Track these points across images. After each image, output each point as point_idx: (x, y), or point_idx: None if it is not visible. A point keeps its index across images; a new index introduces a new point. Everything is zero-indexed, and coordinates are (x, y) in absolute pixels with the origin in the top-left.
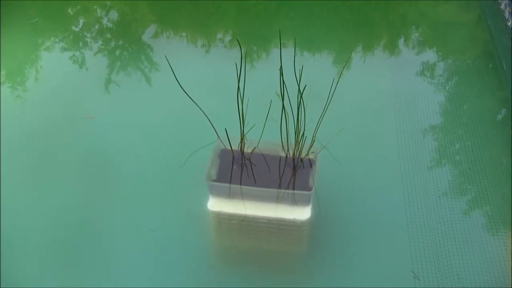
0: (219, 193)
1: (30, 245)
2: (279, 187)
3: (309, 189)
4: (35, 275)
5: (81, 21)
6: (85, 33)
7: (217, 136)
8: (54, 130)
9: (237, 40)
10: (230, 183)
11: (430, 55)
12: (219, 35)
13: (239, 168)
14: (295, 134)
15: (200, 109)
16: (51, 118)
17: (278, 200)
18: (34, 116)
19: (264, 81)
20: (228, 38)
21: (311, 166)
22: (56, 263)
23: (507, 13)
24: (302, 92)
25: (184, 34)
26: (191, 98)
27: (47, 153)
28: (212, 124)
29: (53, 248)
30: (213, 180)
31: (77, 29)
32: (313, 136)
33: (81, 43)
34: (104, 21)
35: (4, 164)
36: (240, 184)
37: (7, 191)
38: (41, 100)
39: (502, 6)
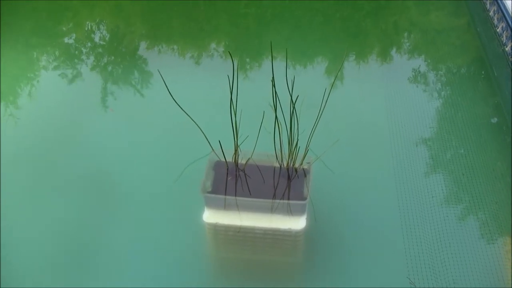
0: (215, 205)
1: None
2: (274, 197)
3: (304, 198)
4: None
5: (73, 37)
6: (79, 49)
7: (211, 149)
8: (49, 148)
9: (229, 53)
10: (225, 194)
11: (422, 63)
12: (212, 48)
13: (234, 180)
14: (289, 144)
15: (194, 122)
16: (47, 135)
17: (273, 210)
18: (30, 133)
19: (257, 92)
20: (220, 50)
21: (305, 176)
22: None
23: (496, 20)
24: (295, 103)
25: (176, 47)
26: (185, 112)
27: (44, 170)
28: (206, 137)
29: (53, 257)
30: (208, 192)
31: (70, 46)
32: (307, 146)
33: (75, 60)
34: (97, 37)
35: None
36: (235, 196)
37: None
38: (36, 118)
39: (491, 13)
